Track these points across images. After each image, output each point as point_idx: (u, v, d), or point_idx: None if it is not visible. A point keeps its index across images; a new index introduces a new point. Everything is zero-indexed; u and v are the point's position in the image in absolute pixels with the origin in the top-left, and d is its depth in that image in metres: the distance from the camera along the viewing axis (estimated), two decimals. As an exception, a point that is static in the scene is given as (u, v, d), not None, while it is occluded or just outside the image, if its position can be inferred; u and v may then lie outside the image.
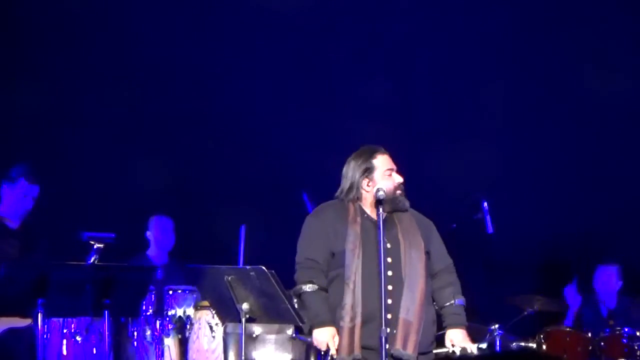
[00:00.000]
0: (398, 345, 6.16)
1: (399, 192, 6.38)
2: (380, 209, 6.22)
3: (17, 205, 7.89)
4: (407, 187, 6.59)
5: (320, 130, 10.35)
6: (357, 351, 6.22)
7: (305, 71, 10.67)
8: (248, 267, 6.58)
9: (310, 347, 7.52)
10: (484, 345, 6.82)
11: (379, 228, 6.17)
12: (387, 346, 6.12)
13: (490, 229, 8.30)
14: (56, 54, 10.16)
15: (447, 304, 6.41)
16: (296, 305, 6.77)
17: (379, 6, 10.81)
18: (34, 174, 7.93)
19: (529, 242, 9.87)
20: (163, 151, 10.42)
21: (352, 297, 6.23)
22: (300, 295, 6.46)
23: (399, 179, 6.37)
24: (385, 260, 6.22)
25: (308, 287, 6.36)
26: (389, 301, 6.14)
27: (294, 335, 7.53)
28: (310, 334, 6.50)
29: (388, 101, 10.65)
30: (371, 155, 6.39)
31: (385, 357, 6.13)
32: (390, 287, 6.18)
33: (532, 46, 10.62)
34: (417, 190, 6.79)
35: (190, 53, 10.57)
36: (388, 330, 6.14)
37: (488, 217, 8.30)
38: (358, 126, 10.21)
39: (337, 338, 6.26)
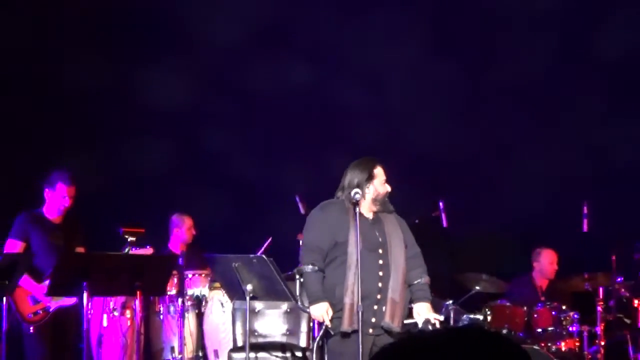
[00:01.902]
0: (387, 319, 6.29)
1: (375, 205, 6.51)
2: (357, 208, 6.30)
3: (57, 204, 7.85)
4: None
5: (311, 141, 10.26)
6: (356, 324, 6.29)
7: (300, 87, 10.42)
8: (252, 255, 6.78)
9: (303, 318, 7.77)
10: (441, 317, 6.77)
11: (356, 220, 6.27)
12: (374, 320, 6.28)
13: (445, 223, 8.41)
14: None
15: (415, 282, 6.49)
16: (298, 282, 7.03)
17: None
18: (70, 178, 7.91)
19: (477, 233, 9.74)
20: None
21: (354, 279, 6.29)
22: (302, 274, 6.54)
23: (388, 188, 6.51)
24: (376, 251, 6.40)
25: (309, 268, 6.40)
26: (380, 284, 6.30)
27: (298, 305, 7.34)
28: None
29: (363, 112, 10.46)
30: (374, 165, 6.50)
31: (362, 327, 6.19)
32: (380, 273, 6.32)
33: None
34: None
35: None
36: (376, 307, 6.29)
37: (444, 214, 8.39)
38: (341, 135, 10.19)
39: (330, 311, 6.30)
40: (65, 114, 9.77)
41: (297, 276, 6.83)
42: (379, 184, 6.49)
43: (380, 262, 6.36)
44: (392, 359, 1.80)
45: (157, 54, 10.21)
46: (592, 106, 10.01)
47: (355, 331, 6.24)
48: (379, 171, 6.50)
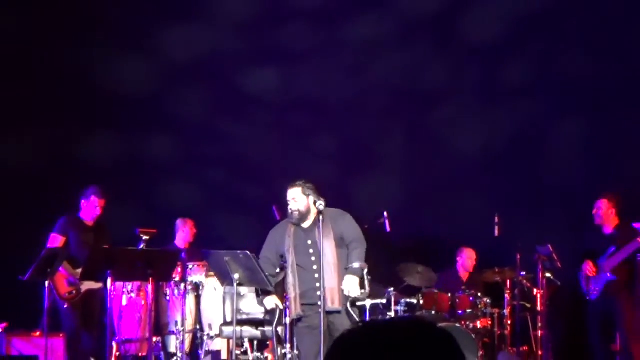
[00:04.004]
0: (329, 304, 6.46)
1: (295, 214, 6.55)
2: (321, 217, 6.40)
3: (91, 212, 8.17)
4: (344, 204, 6.90)
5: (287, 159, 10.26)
6: (299, 310, 6.52)
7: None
8: (239, 251, 6.82)
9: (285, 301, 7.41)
10: (358, 294, 6.53)
11: (320, 232, 6.39)
12: (319, 303, 6.36)
13: (387, 229, 8.60)
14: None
15: (350, 265, 6.55)
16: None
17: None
18: (102, 192, 8.19)
19: (413, 236, 9.85)
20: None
21: (293, 279, 6.58)
22: None
23: (292, 206, 6.55)
24: (307, 253, 6.58)
25: None
26: (316, 276, 6.50)
27: (258, 301, 7.22)
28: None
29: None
30: (287, 189, 6.67)
31: (313, 309, 6.43)
32: (315, 267, 6.55)
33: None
34: (347, 206, 7.01)
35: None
36: (318, 293, 6.42)
37: (386, 222, 8.60)
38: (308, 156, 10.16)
39: (279, 303, 6.63)
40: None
41: None
42: (289, 204, 6.59)
43: (313, 259, 6.55)
44: (349, 343, 1.75)
45: (160, 124, 10.33)
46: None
47: (300, 318, 6.49)
48: (287, 194, 6.62)
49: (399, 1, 10.43)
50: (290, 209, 6.62)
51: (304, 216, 6.60)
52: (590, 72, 9.69)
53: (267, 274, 6.64)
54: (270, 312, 6.87)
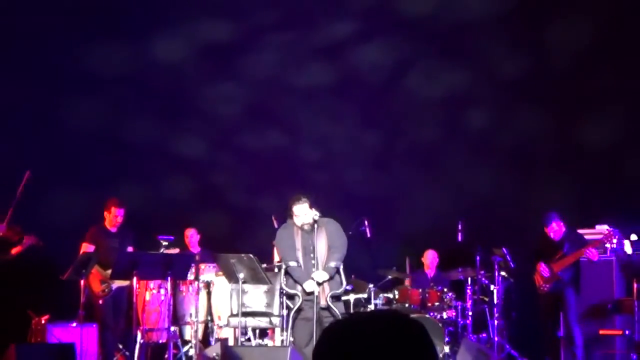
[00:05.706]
0: (321, 300, 6.63)
1: (305, 226, 6.73)
2: (316, 226, 6.63)
3: (113, 221, 8.32)
4: (333, 213, 7.03)
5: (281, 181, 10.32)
6: (303, 303, 6.69)
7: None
8: (243, 254, 7.08)
9: (275, 295, 7.74)
10: (320, 279, 6.57)
11: (316, 237, 6.58)
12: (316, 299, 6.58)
13: (369, 235, 8.88)
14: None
15: (327, 265, 6.68)
16: (283, 271, 6.91)
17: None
18: (120, 203, 8.30)
19: (389, 241, 9.94)
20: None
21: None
22: (288, 266, 6.78)
23: (302, 220, 6.67)
24: (309, 254, 6.74)
25: (292, 263, 6.74)
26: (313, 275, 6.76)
27: (285, 289, 7.00)
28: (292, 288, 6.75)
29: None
30: (291, 206, 6.77)
31: (317, 303, 6.55)
32: (314, 270, 6.71)
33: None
34: (334, 215, 7.04)
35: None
36: (315, 291, 6.65)
37: (368, 228, 8.85)
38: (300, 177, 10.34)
39: (316, 287, 6.55)
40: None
41: (284, 266, 6.87)
42: (295, 218, 6.72)
43: (313, 261, 6.74)
44: (336, 332, 1.77)
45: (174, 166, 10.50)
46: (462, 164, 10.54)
47: (299, 311, 6.69)
48: (294, 209, 6.71)
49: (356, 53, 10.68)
50: (302, 223, 6.71)
51: (312, 225, 6.76)
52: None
53: (296, 263, 6.67)
54: (291, 298, 6.85)
